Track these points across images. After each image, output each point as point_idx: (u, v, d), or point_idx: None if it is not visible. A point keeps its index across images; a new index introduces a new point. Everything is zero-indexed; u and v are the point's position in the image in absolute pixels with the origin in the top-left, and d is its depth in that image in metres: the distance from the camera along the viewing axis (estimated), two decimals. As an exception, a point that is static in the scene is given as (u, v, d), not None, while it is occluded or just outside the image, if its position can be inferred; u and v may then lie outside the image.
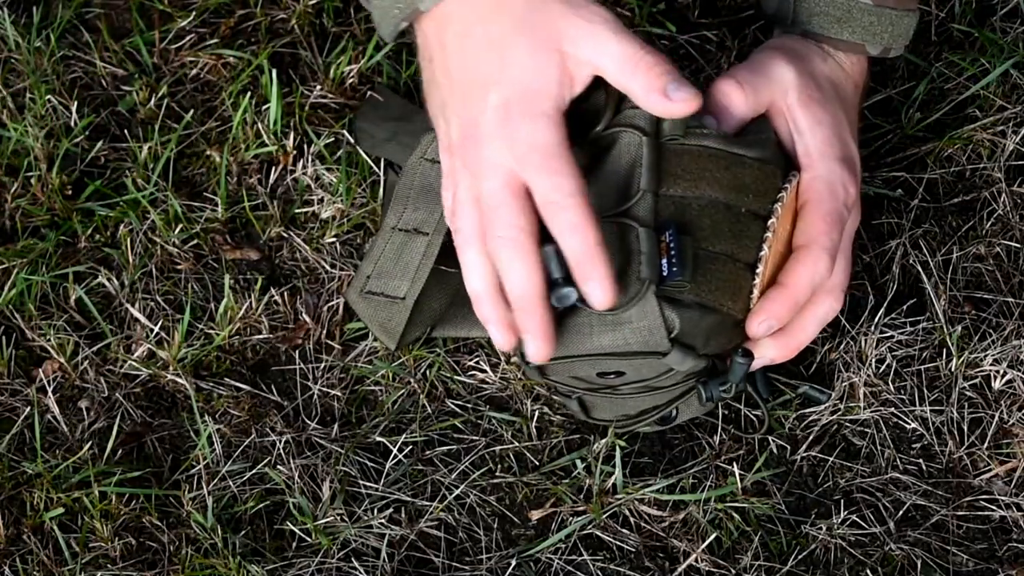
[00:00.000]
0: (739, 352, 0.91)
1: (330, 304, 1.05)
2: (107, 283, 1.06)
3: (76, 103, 1.13)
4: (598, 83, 0.88)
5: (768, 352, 0.94)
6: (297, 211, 1.10)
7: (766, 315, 0.91)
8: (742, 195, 0.90)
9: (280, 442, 0.99)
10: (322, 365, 1.03)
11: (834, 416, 1.01)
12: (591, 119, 0.91)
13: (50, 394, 1.01)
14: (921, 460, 1.01)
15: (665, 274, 0.87)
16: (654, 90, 0.86)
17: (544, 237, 0.86)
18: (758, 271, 0.90)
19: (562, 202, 0.84)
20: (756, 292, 0.91)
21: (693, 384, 0.93)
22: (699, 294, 0.88)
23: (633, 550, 0.96)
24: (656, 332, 0.87)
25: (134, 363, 1.03)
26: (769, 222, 0.91)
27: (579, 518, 0.97)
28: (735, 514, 0.97)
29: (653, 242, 0.87)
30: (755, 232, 0.90)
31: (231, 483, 0.98)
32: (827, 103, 0.95)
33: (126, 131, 1.14)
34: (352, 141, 1.11)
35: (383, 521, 0.96)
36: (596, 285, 0.84)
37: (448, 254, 0.95)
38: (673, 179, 0.90)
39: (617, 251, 0.86)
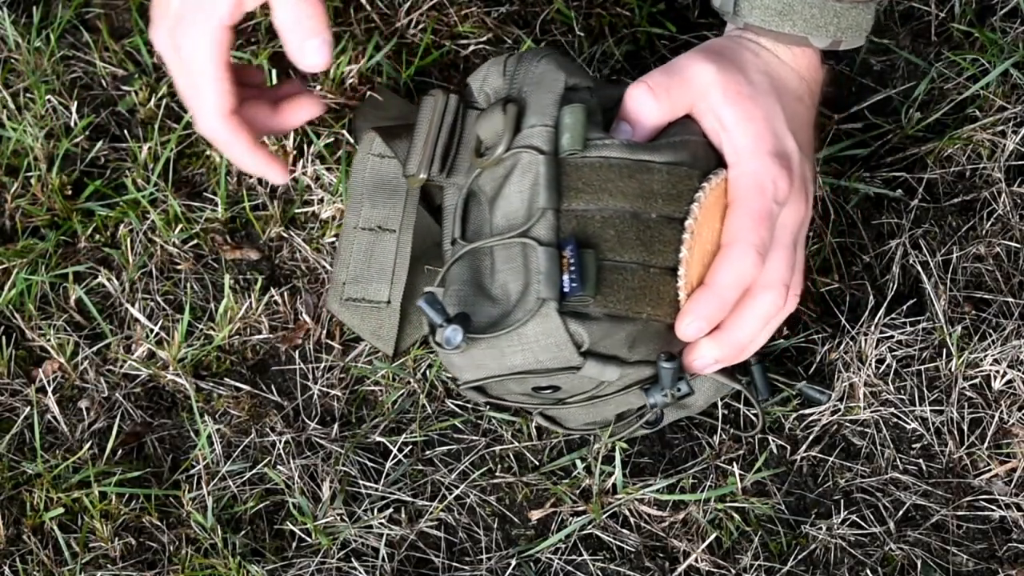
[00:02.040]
0: (662, 357, 0.90)
1: (330, 304, 1.05)
2: (107, 283, 1.06)
3: (76, 103, 1.13)
4: (495, 108, 0.92)
5: (710, 352, 0.92)
6: (297, 211, 1.10)
7: (692, 316, 0.90)
8: (651, 201, 0.90)
9: (280, 442, 0.99)
10: (322, 365, 1.03)
11: (834, 416, 1.01)
12: (492, 144, 0.92)
13: (50, 394, 1.01)
14: (921, 460, 1.01)
15: (567, 290, 0.87)
16: (305, 34, 0.89)
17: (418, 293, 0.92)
18: (680, 273, 0.90)
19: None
20: (683, 294, 0.90)
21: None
22: (607, 305, 0.88)
23: (633, 550, 0.96)
24: (564, 347, 0.87)
25: (134, 363, 1.03)
26: (686, 223, 0.90)
27: (579, 518, 0.97)
28: (735, 514, 0.97)
29: (552, 260, 0.87)
30: (670, 236, 0.90)
31: (231, 483, 0.98)
32: (758, 97, 0.93)
33: (126, 131, 1.14)
34: (352, 141, 1.11)
35: (383, 521, 0.96)
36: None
37: (432, 255, 0.95)
38: (575, 194, 0.90)
39: (522, 272, 0.88)
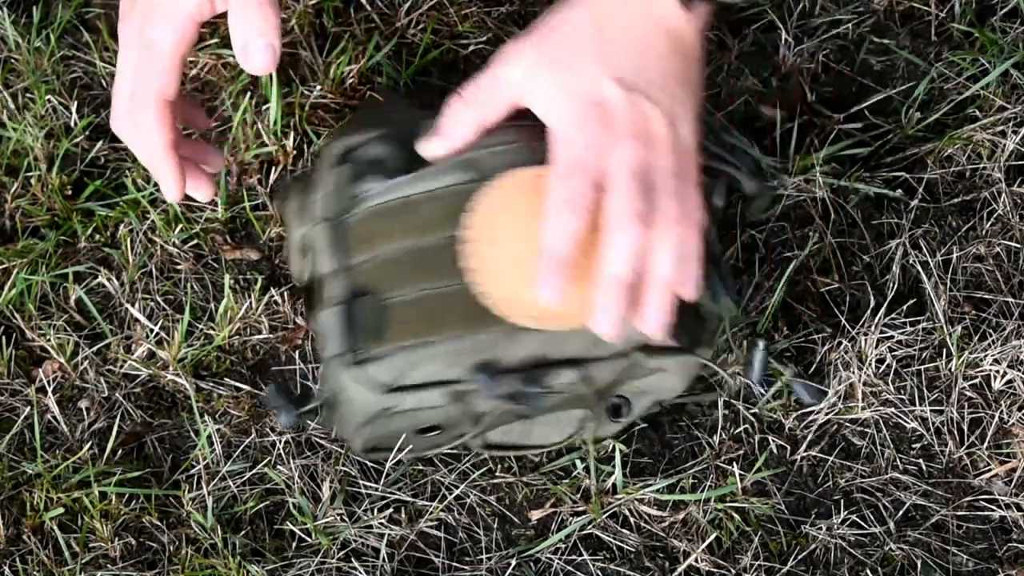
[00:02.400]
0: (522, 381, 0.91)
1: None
2: (107, 283, 1.06)
3: (76, 103, 1.13)
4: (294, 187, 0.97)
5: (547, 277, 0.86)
6: (297, 211, 1.10)
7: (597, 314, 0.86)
8: (423, 232, 0.91)
9: (280, 442, 0.99)
10: (322, 365, 1.03)
11: (834, 416, 1.01)
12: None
13: (50, 394, 1.01)
14: (921, 460, 1.01)
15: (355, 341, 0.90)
16: (251, 35, 0.89)
17: None
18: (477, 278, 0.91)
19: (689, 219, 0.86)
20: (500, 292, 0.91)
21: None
22: (397, 340, 0.89)
23: (633, 550, 0.96)
24: (368, 394, 0.90)
25: (134, 363, 1.03)
26: (461, 233, 0.91)
27: (579, 518, 0.97)
28: (735, 514, 0.97)
29: (332, 319, 0.91)
30: (450, 254, 0.91)
31: (231, 483, 0.98)
32: (563, 43, 0.89)
33: (126, 131, 1.14)
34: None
35: (383, 521, 0.96)
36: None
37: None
38: (357, 248, 0.92)
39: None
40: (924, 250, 1.08)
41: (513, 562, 0.95)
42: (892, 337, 1.04)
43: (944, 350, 1.04)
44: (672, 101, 0.90)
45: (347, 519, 0.96)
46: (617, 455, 0.98)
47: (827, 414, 1.01)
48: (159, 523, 0.96)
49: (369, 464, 0.99)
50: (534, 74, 0.89)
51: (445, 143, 0.92)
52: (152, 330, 1.04)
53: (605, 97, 0.88)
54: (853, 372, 1.02)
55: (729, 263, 1.03)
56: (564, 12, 0.91)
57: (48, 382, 1.02)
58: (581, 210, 0.85)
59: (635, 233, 0.85)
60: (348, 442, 0.96)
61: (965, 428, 1.01)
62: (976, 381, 1.03)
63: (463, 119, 0.91)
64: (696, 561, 0.96)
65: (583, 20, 0.90)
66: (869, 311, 1.05)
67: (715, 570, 0.96)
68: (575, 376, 0.91)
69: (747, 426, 1.01)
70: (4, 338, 1.04)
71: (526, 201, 0.89)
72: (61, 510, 0.96)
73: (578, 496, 0.98)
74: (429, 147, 0.92)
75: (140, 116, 0.90)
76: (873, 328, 1.03)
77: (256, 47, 0.88)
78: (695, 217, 0.87)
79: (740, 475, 0.98)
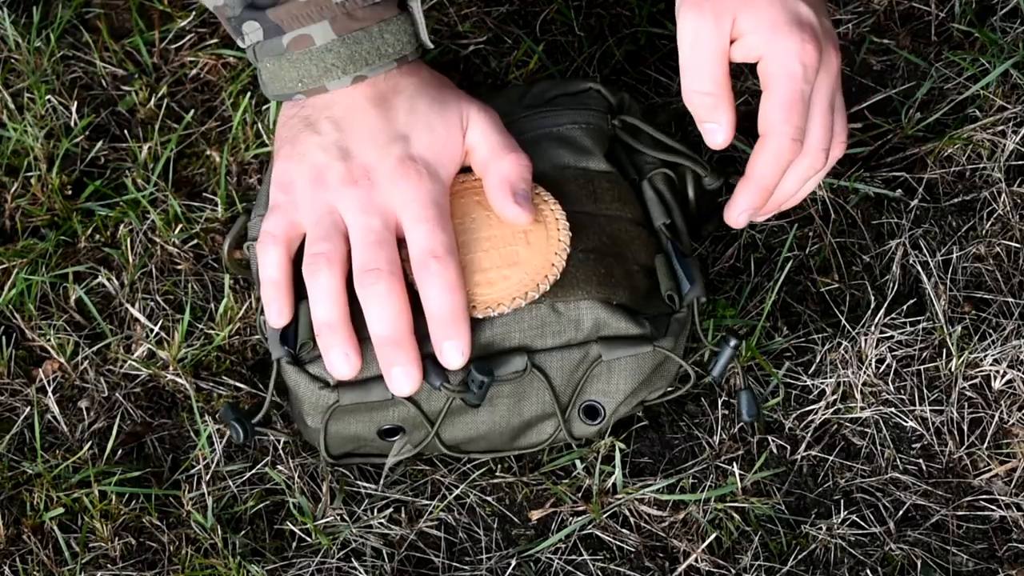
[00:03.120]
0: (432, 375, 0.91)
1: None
2: (107, 283, 1.06)
3: (76, 103, 1.13)
4: None
5: (744, 201, 0.96)
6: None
7: (737, 209, 0.96)
8: None
9: (280, 442, 0.99)
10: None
11: (834, 416, 1.01)
12: None
13: (50, 394, 1.01)
14: (921, 460, 1.01)
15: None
16: (507, 183, 0.93)
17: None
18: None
19: (444, 257, 0.89)
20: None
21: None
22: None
23: (633, 550, 0.96)
24: (316, 391, 0.92)
25: (134, 363, 1.03)
26: None
27: (579, 518, 0.97)
28: (735, 514, 0.97)
29: (274, 333, 0.93)
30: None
31: (231, 483, 0.98)
32: None
33: (126, 131, 1.14)
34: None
35: (383, 521, 0.96)
36: (458, 343, 0.89)
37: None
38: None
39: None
40: (924, 250, 1.08)
41: (513, 562, 0.95)
42: (892, 337, 1.04)
43: (944, 350, 1.04)
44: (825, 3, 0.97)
45: (347, 519, 0.96)
46: (617, 455, 0.98)
47: (826, 412, 1.01)
48: (159, 523, 0.96)
49: (370, 466, 0.99)
50: (728, 16, 0.92)
51: (726, 131, 0.94)
52: (152, 330, 1.04)
53: (804, 18, 0.92)
54: (853, 372, 1.02)
55: (696, 253, 1.04)
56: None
57: (48, 382, 1.02)
58: (796, 144, 0.93)
59: (812, 162, 0.95)
60: (316, 447, 0.96)
61: (965, 428, 1.01)
62: (976, 381, 1.03)
63: (718, 103, 0.94)
64: (696, 561, 0.96)
65: None
66: (869, 311, 1.05)
67: (715, 570, 0.96)
68: (522, 363, 0.91)
69: (747, 426, 1.01)
70: (4, 338, 1.04)
71: (457, 202, 0.94)
72: (61, 510, 0.96)
73: (578, 496, 0.98)
74: (715, 137, 0.95)
75: (439, 273, 0.89)
76: (873, 328, 1.03)
77: (522, 193, 0.93)
78: (845, 139, 0.98)
79: (740, 475, 0.98)
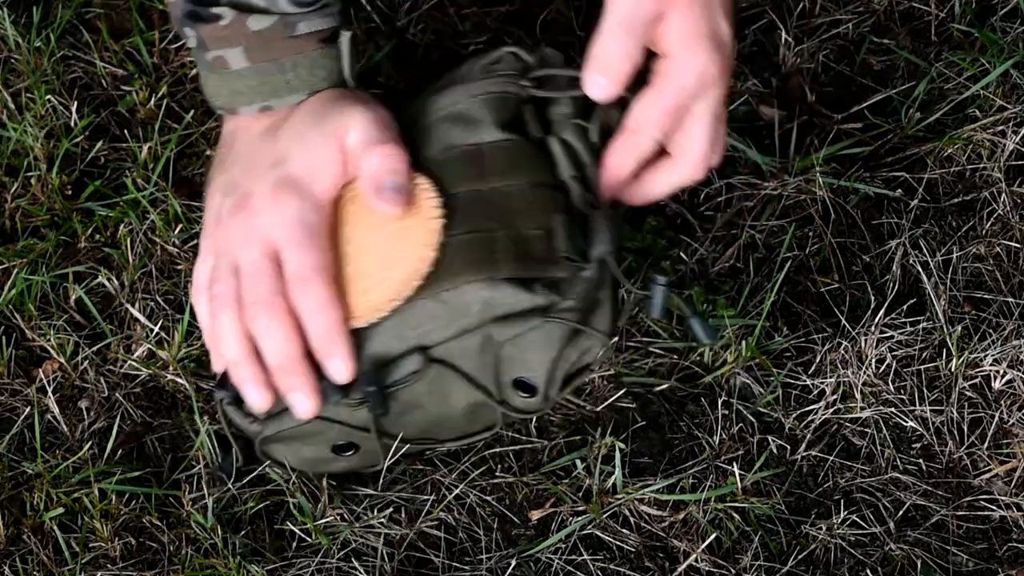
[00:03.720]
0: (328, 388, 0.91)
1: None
2: (107, 283, 1.06)
3: (76, 103, 1.13)
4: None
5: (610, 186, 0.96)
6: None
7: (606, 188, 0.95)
8: None
9: (280, 442, 0.99)
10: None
11: (834, 416, 1.02)
12: None
13: (50, 394, 1.01)
14: (921, 460, 1.01)
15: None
16: (371, 179, 0.92)
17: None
18: None
19: (310, 279, 0.89)
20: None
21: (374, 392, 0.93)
22: None
23: (633, 550, 0.96)
24: (249, 426, 0.95)
25: (134, 363, 1.03)
26: None
27: (579, 518, 0.97)
28: (735, 514, 0.97)
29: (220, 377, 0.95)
30: None
31: (231, 484, 0.98)
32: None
33: (126, 131, 1.14)
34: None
35: (383, 521, 0.96)
36: (339, 360, 0.90)
37: None
38: None
39: None
40: (924, 250, 1.08)
41: (513, 562, 0.95)
42: (892, 337, 1.04)
43: (944, 350, 1.04)
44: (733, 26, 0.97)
45: (347, 519, 0.96)
46: (617, 455, 0.98)
47: (826, 412, 1.01)
48: (159, 523, 0.96)
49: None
50: (664, 6, 0.91)
51: (609, 90, 0.93)
52: (152, 330, 1.04)
53: (721, 37, 0.93)
54: (853, 372, 1.02)
55: (615, 210, 0.98)
56: None
57: (48, 382, 1.02)
58: (655, 144, 0.94)
59: (691, 172, 0.96)
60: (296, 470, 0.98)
61: (965, 428, 1.01)
62: (976, 381, 1.03)
63: (622, 63, 0.93)
64: (696, 561, 0.96)
65: None
66: (869, 311, 1.05)
67: (715, 570, 0.96)
68: (417, 362, 0.90)
69: (747, 426, 1.01)
70: (4, 338, 1.04)
71: (346, 209, 0.93)
72: (61, 510, 0.96)
73: (578, 496, 0.98)
74: (596, 90, 0.93)
75: (308, 294, 0.90)
76: (873, 328, 1.03)
77: (390, 187, 0.91)
78: (723, 148, 0.97)
79: (740, 475, 0.98)
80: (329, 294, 0.90)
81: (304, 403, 0.90)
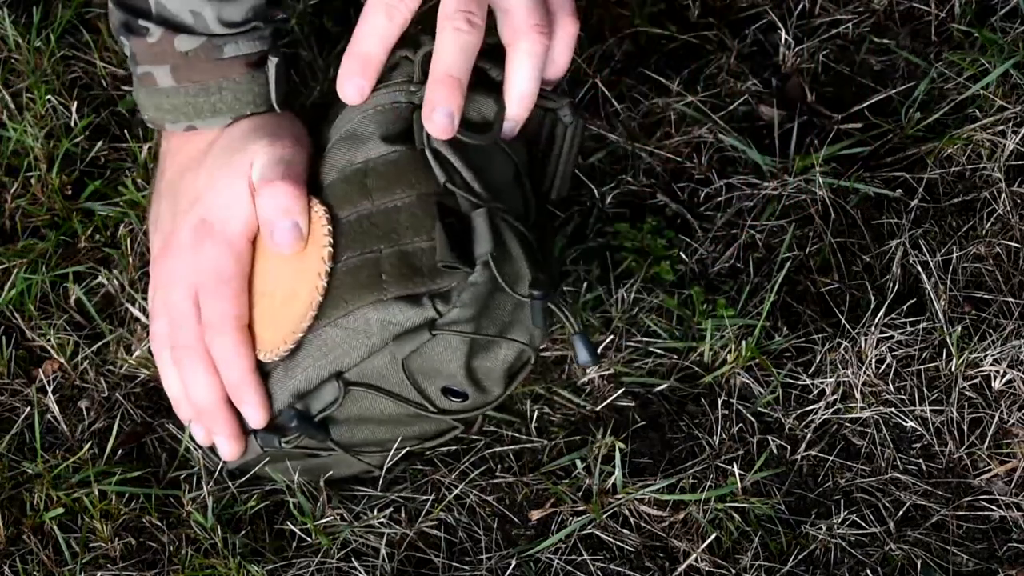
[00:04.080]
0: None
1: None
2: (107, 283, 1.06)
3: (76, 103, 1.13)
4: None
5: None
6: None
7: (431, 106, 0.90)
8: None
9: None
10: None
11: (834, 416, 1.01)
12: None
13: (50, 394, 1.01)
14: (921, 460, 1.01)
15: None
16: (265, 223, 0.92)
17: None
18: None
19: (220, 327, 0.91)
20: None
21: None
22: None
23: (633, 550, 0.96)
24: (213, 456, 0.97)
25: (134, 363, 1.03)
26: None
27: (579, 518, 0.97)
28: (735, 514, 0.97)
29: None
30: None
31: (231, 483, 0.98)
32: None
33: (126, 131, 1.14)
34: None
35: (383, 521, 0.96)
36: (251, 408, 0.92)
37: None
38: None
39: None
40: (924, 250, 1.08)
41: (513, 562, 0.95)
42: (892, 337, 1.04)
43: (944, 350, 1.04)
44: None
45: (347, 519, 0.96)
46: (617, 455, 0.98)
47: (826, 412, 1.01)
48: (159, 523, 0.96)
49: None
50: None
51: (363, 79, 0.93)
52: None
53: None
54: (852, 372, 1.02)
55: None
56: None
57: (48, 382, 1.02)
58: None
59: (531, 44, 0.91)
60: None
61: (965, 428, 1.01)
62: (976, 381, 1.03)
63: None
64: (696, 561, 0.95)
65: None
66: (869, 311, 1.05)
67: (715, 570, 0.96)
68: (333, 391, 0.91)
69: (747, 426, 1.01)
70: (4, 338, 1.04)
71: (261, 247, 0.94)
72: (61, 510, 0.96)
73: (578, 496, 0.98)
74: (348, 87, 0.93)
75: (219, 343, 0.91)
76: (873, 328, 1.03)
77: (281, 227, 0.91)
78: (571, 11, 0.94)
79: (740, 475, 0.98)
80: (238, 341, 0.91)
81: (226, 446, 0.93)
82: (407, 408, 0.92)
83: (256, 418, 0.92)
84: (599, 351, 1.02)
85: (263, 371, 0.92)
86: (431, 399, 0.92)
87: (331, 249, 0.90)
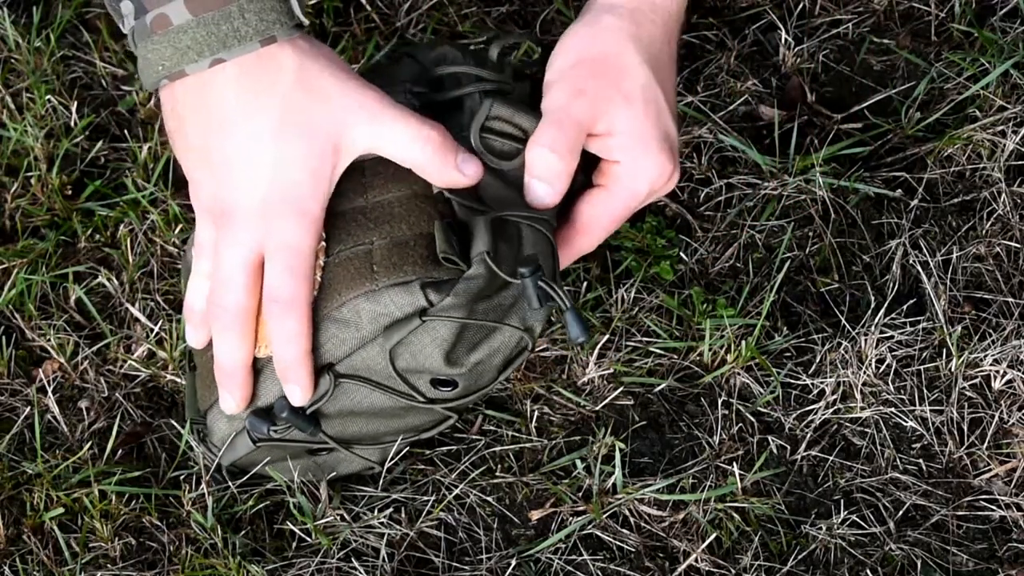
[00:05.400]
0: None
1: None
2: (107, 283, 1.06)
3: (76, 103, 1.13)
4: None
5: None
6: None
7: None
8: None
9: (280, 442, 0.99)
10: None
11: (834, 416, 1.01)
12: None
13: (50, 394, 1.01)
14: (921, 460, 1.01)
15: None
16: (449, 165, 0.89)
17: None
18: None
19: (289, 305, 0.88)
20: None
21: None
22: (208, 401, 0.96)
23: (633, 550, 0.96)
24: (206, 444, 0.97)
25: (134, 363, 1.03)
26: None
27: (579, 518, 0.97)
28: (735, 514, 0.97)
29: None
30: None
31: (231, 483, 0.98)
32: (634, 92, 0.93)
33: (126, 131, 1.14)
34: None
35: (383, 521, 0.96)
36: (297, 389, 0.90)
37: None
38: None
39: None
40: (924, 250, 1.08)
41: (513, 562, 0.95)
42: (892, 337, 1.04)
43: (944, 350, 1.04)
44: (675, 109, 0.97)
45: (347, 519, 0.96)
46: (617, 455, 0.98)
47: (827, 412, 1.02)
48: (159, 523, 0.96)
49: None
50: (603, 103, 0.91)
51: (552, 195, 0.93)
52: (152, 330, 1.04)
53: (672, 140, 0.94)
54: (852, 372, 1.02)
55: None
56: (620, 53, 0.93)
57: (48, 382, 1.02)
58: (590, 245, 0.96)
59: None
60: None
61: (965, 428, 1.01)
62: (976, 381, 1.03)
63: (561, 170, 0.92)
64: (696, 561, 0.95)
65: (620, 33, 0.93)
66: (869, 311, 1.05)
67: (715, 570, 0.96)
68: (327, 383, 0.91)
69: (747, 426, 1.01)
70: (4, 338, 1.04)
71: None
72: (61, 510, 0.96)
73: (578, 496, 0.98)
74: (542, 198, 0.93)
75: (285, 322, 0.88)
76: (873, 328, 1.03)
77: (463, 162, 0.90)
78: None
79: (740, 475, 0.98)
80: (303, 322, 0.89)
81: (232, 404, 0.92)
82: (398, 400, 0.92)
83: (300, 398, 0.91)
84: (598, 350, 1.02)
85: (256, 367, 0.92)
86: (419, 390, 0.92)
87: (324, 243, 0.90)
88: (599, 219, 0.94)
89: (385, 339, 0.89)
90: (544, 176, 0.92)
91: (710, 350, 1.03)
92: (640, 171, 0.93)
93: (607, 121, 0.92)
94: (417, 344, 0.89)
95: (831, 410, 1.01)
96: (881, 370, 1.03)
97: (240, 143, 0.87)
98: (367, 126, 0.88)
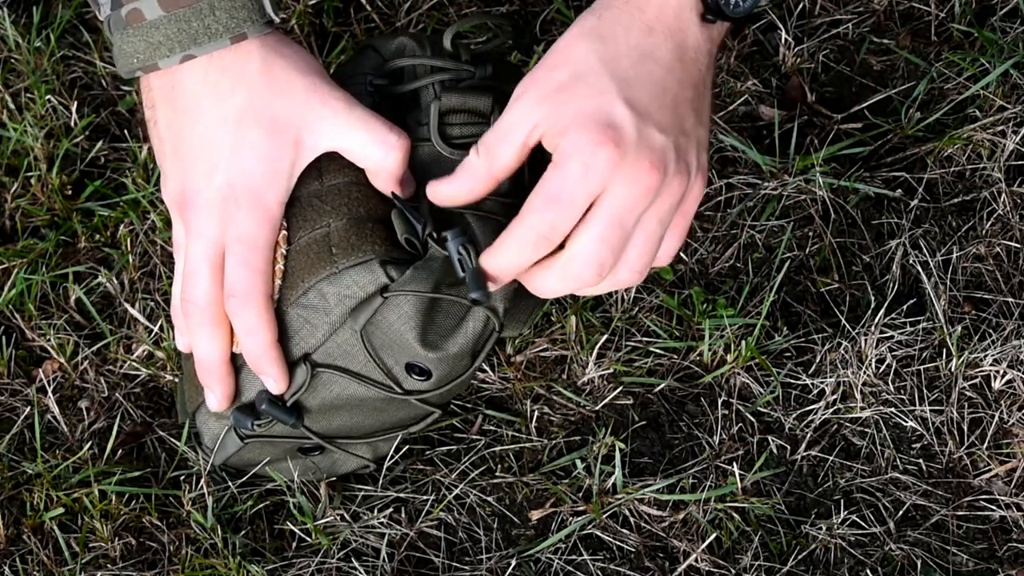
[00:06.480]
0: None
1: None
2: (107, 283, 1.06)
3: (76, 103, 1.13)
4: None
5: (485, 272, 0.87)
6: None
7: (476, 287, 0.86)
8: None
9: (280, 442, 0.99)
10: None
11: (834, 416, 1.02)
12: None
13: (50, 394, 1.01)
14: (921, 460, 1.01)
15: None
16: (397, 180, 0.89)
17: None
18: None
19: (247, 298, 0.88)
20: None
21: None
22: (196, 399, 0.96)
23: (633, 550, 0.96)
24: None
25: (134, 363, 1.03)
26: None
27: (579, 518, 0.97)
28: (735, 514, 0.97)
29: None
30: None
31: (231, 483, 0.98)
32: (568, 71, 0.84)
33: (126, 131, 1.14)
34: None
35: (383, 521, 0.96)
36: (271, 380, 0.90)
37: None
38: None
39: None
40: (924, 250, 1.08)
41: (513, 562, 0.95)
42: (892, 337, 1.04)
43: (944, 350, 1.04)
44: (681, 129, 0.85)
45: (347, 519, 0.96)
46: (617, 455, 0.98)
47: (827, 412, 1.02)
48: (159, 523, 0.96)
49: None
50: (540, 109, 0.84)
51: (456, 194, 0.88)
52: (152, 330, 1.04)
53: (615, 121, 0.83)
54: (852, 372, 1.02)
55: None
56: (568, 46, 0.86)
57: (48, 382, 1.02)
58: (541, 242, 0.83)
59: (582, 273, 0.84)
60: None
61: (965, 428, 1.01)
62: (976, 381, 1.03)
63: (477, 173, 0.87)
64: (696, 561, 0.96)
65: (588, 48, 0.85)
66: (869, 311, 1.05)
67: (715, 570, 0.96)
68: (303, 374, 0.91)
69: (747, 426, 1.01)
70: (4, 338, 1.04)
71: None
72: (61, 510, 0.96)
73: (578, 496, 0.98)
74: (440, 192, 0.88)
75: (244, 314, 0.88)
76: (873, 328, 1.03)
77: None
78: (643, 270, 0.86)
79: (740, 475, 0.98)
80: (263, 314, 0.89)
81: (215, 402, 0.92)
82: (377, 392, 0.92)
83: (277, 387, 0.91)
84: (597, 350, 1.02)
85: (237, 363, 0.92)
86: (397, 379, 0.92)
87: (286, 232, 0.90)
88: (532, 199, 0.84)
89: (353, 320, 0.89)
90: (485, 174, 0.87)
91: (710, 350, 1.03)
92: (570, 145, 0.82)
93: (549, 118, 0.85)
94: (385, 324, 0.89)
95: (831, 410, 1.02)
96: (881, 370, 1.03)
97: (203, 131, 0.88)
98: (331, 125, 0.88)
